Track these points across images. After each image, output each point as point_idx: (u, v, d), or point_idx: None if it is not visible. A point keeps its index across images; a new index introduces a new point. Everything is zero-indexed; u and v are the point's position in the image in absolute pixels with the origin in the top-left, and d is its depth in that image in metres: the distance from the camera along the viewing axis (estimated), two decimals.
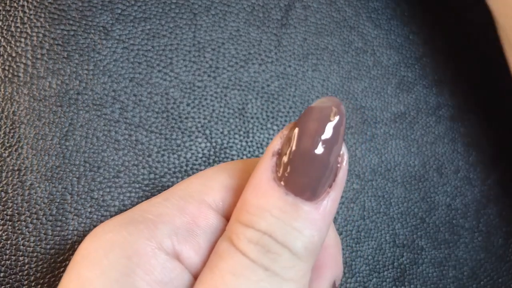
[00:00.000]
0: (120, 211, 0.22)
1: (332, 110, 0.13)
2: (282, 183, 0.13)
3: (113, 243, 0.13)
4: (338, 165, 0.13)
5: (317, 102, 0.14)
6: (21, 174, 0.21)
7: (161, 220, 0.14)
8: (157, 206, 0.15)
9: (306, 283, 0.14)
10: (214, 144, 0.23)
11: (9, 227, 0.20)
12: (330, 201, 0.13)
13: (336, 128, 0.13)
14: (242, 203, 0.14)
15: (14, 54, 0.21)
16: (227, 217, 0.16)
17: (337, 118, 0.13)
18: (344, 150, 0.14)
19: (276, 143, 0.14)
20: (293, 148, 0.13)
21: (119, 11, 0.23)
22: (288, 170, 0.13)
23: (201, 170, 0.23)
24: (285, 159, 0.13)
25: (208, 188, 0.15)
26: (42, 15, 0.22)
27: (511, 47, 0.23)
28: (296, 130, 0.13)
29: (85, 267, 0.13)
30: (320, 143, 0.13)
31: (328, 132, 0.13)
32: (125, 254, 0.13)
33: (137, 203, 0.22)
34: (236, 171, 0.16)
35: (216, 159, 0.23)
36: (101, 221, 0.21)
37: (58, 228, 0.21)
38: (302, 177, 0.13)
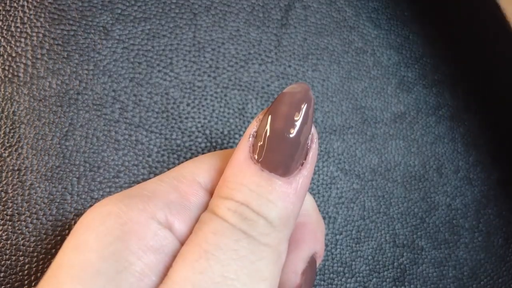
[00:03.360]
0: None
1: (301, 95, 0.14)
2: (258, 161, 0.14)
3: (109, 212, 0.14)
4: (309, 145, 0.15)
5: (288, 88, 0.15)
6: (21, 174, 0.21)
7: (156, 195, 0.15)
8: (151, 184, 0.16)
9: (282, 251, 0.15)
10: (214, 144, 0.23)
11: (9, 227, 0.20)
12: (302, 177, 0.15)
13: (305, 111, 0.14)
14: (223, 180, 0.15)
15: (14, 54, 0.21)
16: None
17: (306, 102, 0.14)
18: (314, 131, 0.15)
19: (252, 126, 0.15)
20: (268, 129, 0.14)
21: (119, 11, 0.23)
22: (264, 149, 0.14)
23: None
24: (260, 140, 0.14)
25: (199, 169, 0.16)
26: (42, 15, 0.22)
27: None
28: (270, 114, 0.15)
29: (82, 233, 0.14)
30: (291, 125, 0.14)
31: (298, 115, 0.14)
32: (120, 221, 0.14)
33: None
34: (226, 156, 0.17)
35: None
36: None
37: (58, 228, 0.21)
38: (276, 155, 0.14)
